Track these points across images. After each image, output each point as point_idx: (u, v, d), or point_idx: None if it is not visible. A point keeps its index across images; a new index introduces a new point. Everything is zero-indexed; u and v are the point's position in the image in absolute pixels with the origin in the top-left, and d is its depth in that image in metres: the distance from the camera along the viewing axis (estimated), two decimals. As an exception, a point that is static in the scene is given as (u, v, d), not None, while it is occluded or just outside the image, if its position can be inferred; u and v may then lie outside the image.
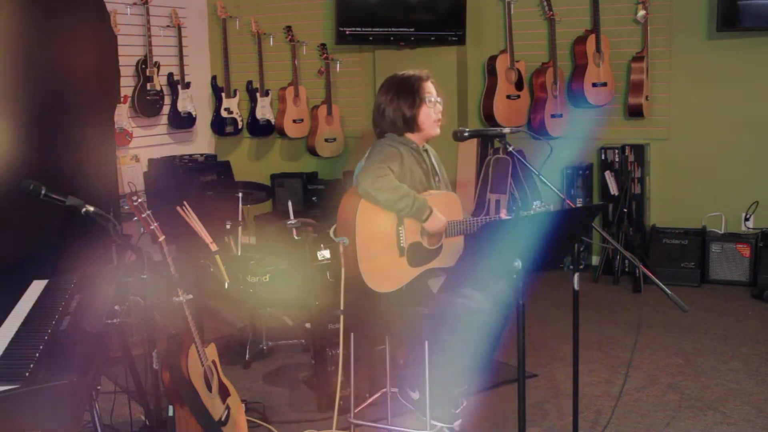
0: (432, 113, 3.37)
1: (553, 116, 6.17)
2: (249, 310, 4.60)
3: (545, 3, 6.12)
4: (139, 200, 2.93)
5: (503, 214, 3.37)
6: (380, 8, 6.29)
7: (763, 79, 5.72)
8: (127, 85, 6.43)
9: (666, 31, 5.94)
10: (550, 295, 5.52)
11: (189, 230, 3.43)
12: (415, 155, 3.37)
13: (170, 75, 6.80)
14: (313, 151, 6.89)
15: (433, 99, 3.37)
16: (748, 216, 5.83)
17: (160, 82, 6.64)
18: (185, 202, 3.41)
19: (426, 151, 3.49)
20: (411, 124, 3.36)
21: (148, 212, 2.93)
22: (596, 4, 5.97)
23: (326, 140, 6.87)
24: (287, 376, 4.31)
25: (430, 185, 3.41)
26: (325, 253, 3.93)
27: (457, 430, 3.41)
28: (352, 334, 3.42)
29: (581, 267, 6.06)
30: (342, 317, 3.31)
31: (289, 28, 6.90)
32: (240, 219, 4.69)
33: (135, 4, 6.51)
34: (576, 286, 2.98)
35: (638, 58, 5.93)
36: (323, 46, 6.81)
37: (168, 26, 6.87)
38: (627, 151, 5.96)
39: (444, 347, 3.22)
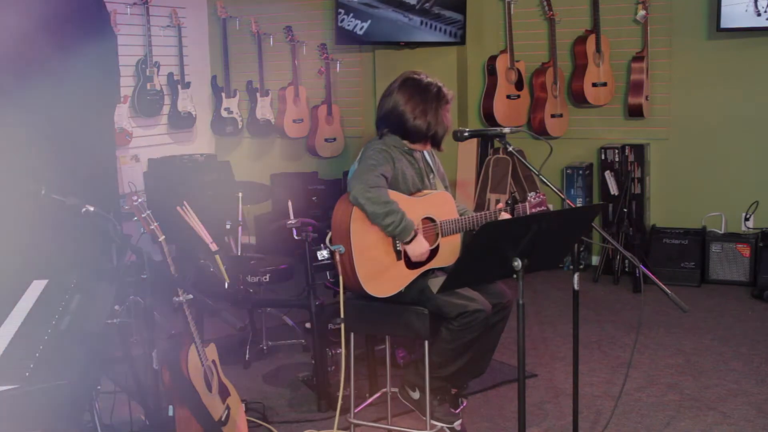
0: None
1: (553, 116, 6.16)
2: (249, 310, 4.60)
3: (545, 3, 6.12)
4: (139, 200, 2.92)
5: (500, 208, 3.36)
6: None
7: (763, 79, 5.72)
8: (127, 85, 6.42)
9: (666, 31, 5.94)
10: (550, 295, 5.53)
11: (189, 230, 3.43)
12: (406, 157, 3.37)
13: (170, 75, 6.79)
14: (313, 151, 6.89)
15: None
16: (748, 216, 5.83)
17: (160, 82, 6.63)
18: (185, 202, 3.40)
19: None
20: (412, 135, 3.34)
21: (148, 212, 2.93)
22: (596, 4, 5.97)
23: (326, 140, 6.86)
24: (287, 376, 4.31)
25: (424, 185, 3.40)
26: (324, 253, 3.93)
27: (457, 430, 3.41)
28: (352, 334, 3.43)
29: (581, 267, 6.06)
30: (342, 326, 3.32)
31: (289, 28, 6.90)
32: (240, 219, 4.69)
33: (135, 4, 6.50)
34: (576, 286, 2.98)
35: (638, 58, 5.93)
36: (323, 46, 6.81)
37: (168, 26, 6.86)
38: (627, 151, 5.95)
39: (444, 347, 3.22)
